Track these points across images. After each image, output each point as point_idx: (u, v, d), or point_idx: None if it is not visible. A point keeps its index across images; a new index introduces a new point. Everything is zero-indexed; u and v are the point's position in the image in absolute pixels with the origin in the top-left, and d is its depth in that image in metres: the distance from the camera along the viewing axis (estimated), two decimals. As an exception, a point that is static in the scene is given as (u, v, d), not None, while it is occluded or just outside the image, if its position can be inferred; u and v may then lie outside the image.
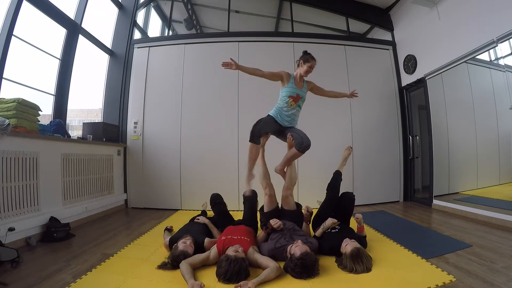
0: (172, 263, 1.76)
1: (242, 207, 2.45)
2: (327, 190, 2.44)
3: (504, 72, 2.91)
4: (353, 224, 2.45)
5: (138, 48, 4.28)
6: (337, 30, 4.94)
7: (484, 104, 3.39)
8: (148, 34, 4.91)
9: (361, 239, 2.03)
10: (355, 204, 2.44)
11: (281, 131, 2.40)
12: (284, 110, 2.35)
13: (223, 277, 1.55)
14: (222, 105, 4.04)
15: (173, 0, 4.60)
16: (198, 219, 2.44)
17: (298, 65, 2.45)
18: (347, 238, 1.88)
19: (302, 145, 2.18)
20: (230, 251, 1.67)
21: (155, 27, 5.23)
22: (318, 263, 1.68)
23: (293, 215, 2.26)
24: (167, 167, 4.00)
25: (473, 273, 1.65)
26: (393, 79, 4.40)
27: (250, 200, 2.36)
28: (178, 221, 2.94)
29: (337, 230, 2.07)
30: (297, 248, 1.69)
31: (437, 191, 3.73)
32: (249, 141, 2.30)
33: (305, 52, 2.45)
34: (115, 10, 4.41)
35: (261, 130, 2.30)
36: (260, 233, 2.09)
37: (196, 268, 1.73)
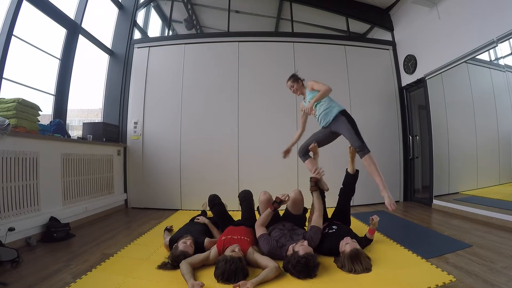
0: (172, 263, 1.76)
1: (242, 207, 2.44)
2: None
3: (504, 72, 2.91)
4: (353, 224, 2.45)
5: (138, 48, 4.28)
6: (337, 30, 4.94)
7: (484, 104, 3.39)
8: (148, 34, 4.91)
9: (361, 240, 2.02)
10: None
11: (333, 131, 2.48)
12: (318, 119, 2.53)
13: (221, 277, 1.55)
14: (222, 105, 4.04)
15: (173, 0, 4.60)
16: (198, 219, 2.44)
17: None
18: (348, 237, 1.87)
19: (355, 147, 2.28)
20: (227, 251, 1.68)
21: (155, 27, 5.23)
22: (318, 267, 1.67)
23: (296, 219, 2.25)
24: (167, 167, 3.99)
25: (473, 273, 1.65)
26: (393, 79, 4.40)
27: (247, 200, 2.36)
28: (178, 221, 2.94)
29: (334, 230, 2.07)
30: (301, 248, 1.69)
31: (437, 191, 3.73)
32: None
33: None
34: (115, 10, 4.41)
35: (303, 147, 2.58)
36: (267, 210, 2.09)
37: (196, 268, 1.73)
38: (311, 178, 2.25)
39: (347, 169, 2.47)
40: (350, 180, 2.43)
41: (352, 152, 2.41)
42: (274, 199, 2.14)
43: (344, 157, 3.85)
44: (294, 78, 2.60)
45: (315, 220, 2.05)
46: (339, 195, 2.44)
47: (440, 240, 2.36)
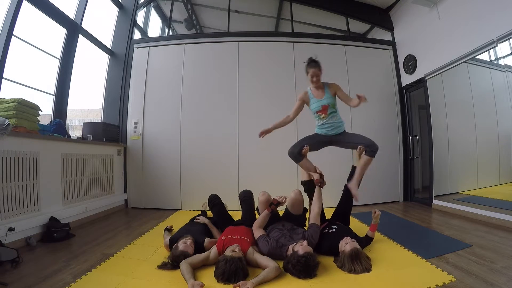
0: (172, 263, 1.76)
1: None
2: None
3: (504, 72, 2.91)
4: (352, 224, 2.45)
5: (138, 48, 4.28)
6: (337, 30, 4.94)
7: (484, 104, 3.39)
8: (148, 34, 4.91)
9: (361, 240, 2.02)
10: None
11: (332, 141, 2.42)
12: (321, 124, 2.40)
13: (221, 277, 1.55)
14: (222, 105, 4.04)
15: (173, 0, 4.60)
16: (198, 219, 2.44)
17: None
18: (348, 237, 1.87)
19: (375, 148, 2.23)
20: (227, 251, 1.68)
21: (155, 27, 5.23)
22: (318, 266, 1.68)
23: (295, 219, 2.25)
24: (167, 167, 3.99)
25: (473, 273, 1.65)
26: (393, 79, 4.40)
27: (247, 200, 2.36)
28: (178, 221, 2.94)
29: (334, 230, 2.07)
30: (301, 247, 1.70)
31: (437, 191, 3.73)
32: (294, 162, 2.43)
33: (308, 60, 2.33)
34: (115, 10, 4.41)
35: (297, 150, 2.36)
36: (264, 212, 2.09)
37: (196, 268, 1.73)
38: (320, 174, 2.30)
39: (353, 165, 2.48)
40: None
41: (359, 152, 2.40)
42: (272, 200, 2.15)
43: (340, 159, 3.88)
44: (319, 66, 2.27)
45: (314, 217, 2.06)
46: (343, 190, 2.44)
47: (440, 240, 2.36)
